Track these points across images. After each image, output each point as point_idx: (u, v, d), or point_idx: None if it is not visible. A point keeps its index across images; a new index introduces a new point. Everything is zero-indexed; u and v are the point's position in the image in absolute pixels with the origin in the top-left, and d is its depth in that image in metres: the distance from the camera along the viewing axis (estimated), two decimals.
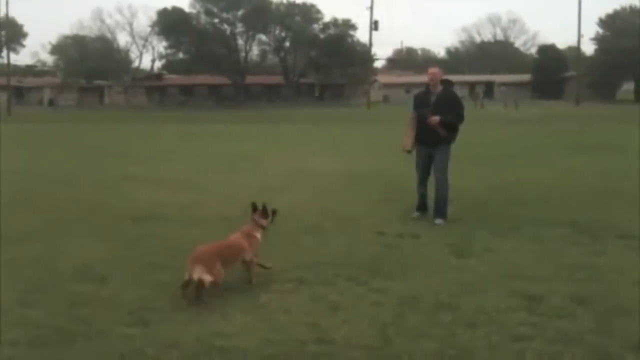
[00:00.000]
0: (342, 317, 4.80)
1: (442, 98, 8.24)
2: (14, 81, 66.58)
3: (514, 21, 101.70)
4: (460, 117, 8.25)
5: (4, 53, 65.35)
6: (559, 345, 4.21)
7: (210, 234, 7.56)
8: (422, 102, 8.39)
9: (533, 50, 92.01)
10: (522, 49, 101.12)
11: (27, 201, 10.04)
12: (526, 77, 79.64)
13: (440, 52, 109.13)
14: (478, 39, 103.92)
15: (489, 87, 78.73)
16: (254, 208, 6.05)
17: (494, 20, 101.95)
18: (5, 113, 51.65)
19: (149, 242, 7.27)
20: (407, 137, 8.50)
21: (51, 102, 74.80)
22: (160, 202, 9.84)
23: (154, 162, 15.78)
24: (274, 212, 6.16)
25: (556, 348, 4.18)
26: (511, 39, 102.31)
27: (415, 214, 8.49)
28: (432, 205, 8.33)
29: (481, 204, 9.46)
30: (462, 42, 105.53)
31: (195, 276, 5.06)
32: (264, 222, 6.04)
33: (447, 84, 8.61)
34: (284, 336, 4.42)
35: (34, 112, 57.58)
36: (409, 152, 8.54)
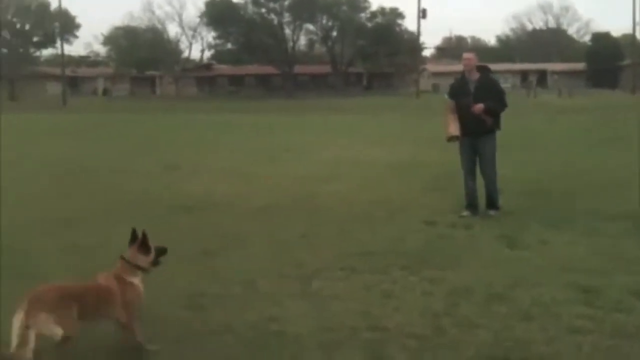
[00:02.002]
0: (395, 305, 4.80)
1: (482, 85, 7.89)
2: (68, 72, 68.30)
3: (566, 8, 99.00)
4: (503, 103, 7.93)
5: (58, 44, 67.17)
6: (617, 339, 4.12)
7: (257, 222, 7.71)
8: (460, 90, 8.03)
9: (587, 38, 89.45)
10: (575, 36, 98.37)
11: (83, 189, 10.31)
12: (580, 65, 77.56)
13: (491, 40, 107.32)
14: (529, 27, 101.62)
15: (541, 75, 77.05)
16: (133, 237, 4.16)
17: (545, 8, 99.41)
18: (60, 103, 53.24)
19: (200, 229, 7.39)
20: (450, 123, 8.00)
21: (105, 92, 76.73)
22: (208, 192, 9.95)
23: (202, 153, 15.97)
24: (163, 251, 4.28)
25: (614, 342, 4.09)
26: (564, 26, 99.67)
27: (465, 212, 8.01)
28: (483, 197, 8.07)
29: (533, 194, 9.26)
30: (512, 30, 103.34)
31: (37, 328, 3.49)
32: (142, 261, 4.10)
33: (485, 70, 8.19)
34: (337, 323, 4.44)
35: (89, 102, 58.97)
36: (457, 138, 8.00)
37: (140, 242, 4.12)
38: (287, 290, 5.18)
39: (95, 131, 24.20)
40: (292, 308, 4.77)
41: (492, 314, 4.57)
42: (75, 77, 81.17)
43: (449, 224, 7.49)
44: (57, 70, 66.74)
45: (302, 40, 78.55)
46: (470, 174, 8.13)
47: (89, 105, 52.16)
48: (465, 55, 8.16)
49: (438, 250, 6.34)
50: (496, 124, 7.97)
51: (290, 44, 75.72)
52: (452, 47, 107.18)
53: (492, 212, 7.96)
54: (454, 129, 7.98)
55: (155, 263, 4.22)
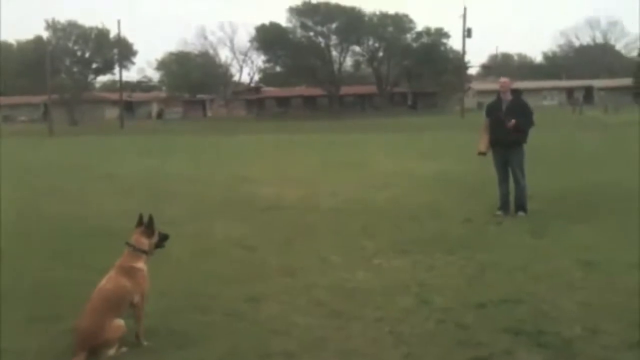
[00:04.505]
0: (437, 273, 6.33)
1: (514, 105, 9.39)
2: (124, 96, 71.70)
3: (614, 23, 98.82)
4: (530, 122, 9.34)
5: (116, 70, 70.64)
6: (607, 294, 5.51)
7: (324, 218, 9.37)
8: (495, 109, 9.52)
9: (635, 53, 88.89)
10: (623, 51, 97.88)
11: (171, 196, 12.09)
12: (628, 81, 77.27)
13: (537, 57, 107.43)
14: (577, 43, 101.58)
15: (588, 92, 77.13)
16: (140, 221, 4.70)
17: (592, 23, 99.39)
18: (118, 126, 56.29)
19: (278, 224, 9.11)
20: (482, 141, 9.63)
21: (159, 115, 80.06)
22: (280, 197, 11.67)
23: (266, 167, 17.75)
24: (165, 237, 4.82)
25: (605, 296, 5.48)
26: (611, 42, 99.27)
27: (498, 212, 9.43)
28: (514, 201, 9.42)
29: (561, 198, 10.61)
30: (560, 47, 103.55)
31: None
32: (144, 243, 4.61)
33: (517, 92, 9.80)
34: (394, 282, 6.03)
35: (145, 125, 62.05)
36: (484, 154, 9.63)
37: (144, 226, 4.65)
38: (354, 264, 6.77)
39: (162, 150, 26.28)
40: (360, 275, 6.35)
41: (511, 278, 6.07)
42: (130, 101, 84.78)
43: (484, 221, 8.97)
44: (114, 95, 70.43)
45: (349, 62, 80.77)
46: (502, 179, 9.59)
47: (146, 127, 55.03)
48: (502, 79, 9.85)
49: (473, 239, 7.83)
50: (523, 139, 9.43)
51: (337, 65, 77.87)
52: (498, 65, 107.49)
53: (520, 214, 9.34)
54: (483, 146, 9.65)
55: (159, 246, 4.77)
